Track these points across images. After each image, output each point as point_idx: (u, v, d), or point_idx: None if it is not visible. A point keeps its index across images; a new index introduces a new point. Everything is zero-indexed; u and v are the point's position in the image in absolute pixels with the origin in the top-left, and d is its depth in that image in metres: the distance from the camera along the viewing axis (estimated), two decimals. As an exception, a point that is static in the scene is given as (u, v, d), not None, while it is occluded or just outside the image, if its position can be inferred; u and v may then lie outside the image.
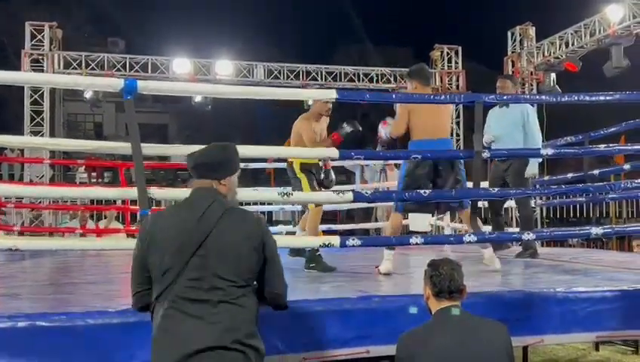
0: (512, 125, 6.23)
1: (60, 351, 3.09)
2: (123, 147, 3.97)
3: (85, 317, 3.20)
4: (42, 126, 12.87)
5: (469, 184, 4.95)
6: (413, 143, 4.85)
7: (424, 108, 4.83)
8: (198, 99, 13.49)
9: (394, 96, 4.83)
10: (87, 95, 13.18)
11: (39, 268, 5.86)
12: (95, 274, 5.62)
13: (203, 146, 2.89)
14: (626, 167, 7.05)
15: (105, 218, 11.06)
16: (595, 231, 4.80)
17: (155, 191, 3.95)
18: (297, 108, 6.49)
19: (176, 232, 2.55)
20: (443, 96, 5.80)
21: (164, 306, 2.50)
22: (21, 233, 10.63)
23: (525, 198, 6.01)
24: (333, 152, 4.48)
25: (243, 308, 2.52)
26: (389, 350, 3.28)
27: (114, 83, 3.93)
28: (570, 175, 7.47)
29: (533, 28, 14.37)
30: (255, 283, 2.65)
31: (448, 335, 2.87)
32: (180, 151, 3.91)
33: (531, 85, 14.12)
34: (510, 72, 14.24)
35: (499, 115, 6.32)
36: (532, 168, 6.45)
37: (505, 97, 5.05)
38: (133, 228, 9.83)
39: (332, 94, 4.37)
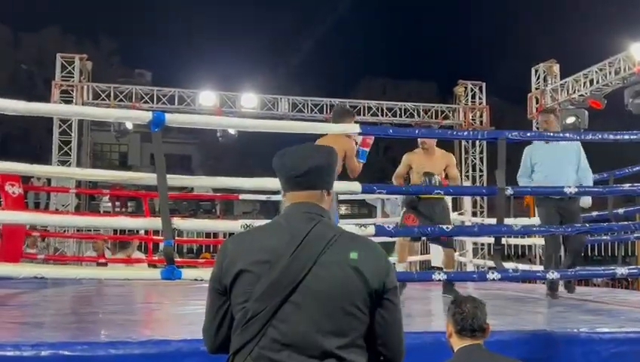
0: (566, 162, 5.98)
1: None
2: (148, 178, 4.02)
3: (107, 347, 3.23)
4: (70, 155, 13.08)
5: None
6: None
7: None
8: (222, 131, 13.63)
9: (417, 131, 4.85)
10: (114, 125, 13.41)
11: (61, 296, 5.93)
12: (116, 304, 5.67)
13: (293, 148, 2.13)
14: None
15: (123, 248, 11.17)
16: (621, 271, 4.74)
17: (179, 222, 3.99)
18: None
19: (262, 266, 1.90)
20: (466, 133, 5.80)
21: None
22: (45, 261, 10.75)
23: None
24: (356, 186, 4.50)
25: None
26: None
27: (143, 116, 4.01)
28: (594, 213, 7.39)
29: (558, 65, 14.37)
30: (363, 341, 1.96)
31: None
32: (203, 183, 3.96)
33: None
34: (534, 109, 14.22)
35: (549, 152, 5.99)
36: (587, 200, 6.19)
37: (528, 134, 5.03)
38: (155, 258, 9.91)
39: (356, 128, 4.40)
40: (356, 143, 5.20)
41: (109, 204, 21.65)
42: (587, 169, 6.12)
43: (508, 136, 4.60)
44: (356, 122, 4.94)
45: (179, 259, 11.00)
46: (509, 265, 8.35)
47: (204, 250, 16.16)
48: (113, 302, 5.84)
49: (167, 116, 3.98)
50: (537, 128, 14.14)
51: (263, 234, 2.02)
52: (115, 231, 11.57)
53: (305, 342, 1.86)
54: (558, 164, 5.95)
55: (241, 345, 1.89)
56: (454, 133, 4.67)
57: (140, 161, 35.21)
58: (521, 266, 9.25)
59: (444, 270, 5.24)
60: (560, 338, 3.88)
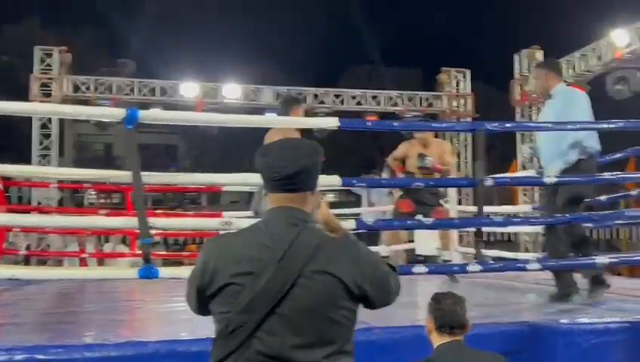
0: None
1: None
2: (127, 176, 3.96)
3: (83, 350, 3.18)
4: (50, 149, 12.94)
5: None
6: None
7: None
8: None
9: (395, 124, 4.80)
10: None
11: (42, 294, 5.84)
12: (97, 302, 5.60)
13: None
14: (634, 193, 6.97)
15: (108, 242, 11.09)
16: (601, 260, 4.72)
17: (157, 221, 3.93)
18: (308, 129, 6.48)
19: (245, 277, 1.85)
20: (445, 124, 5.76)
21: None
22: (27, 257, 10.65)
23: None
24: (336, 180, 4.44)
25: None
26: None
27: (116, 113, 3.94)
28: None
29: (541, 51, 14.37)
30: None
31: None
32: (180, 180, 3.91)
33: (538, 109, 14.07)
34: (517, 96, 14.23)
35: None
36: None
37: (507, 125, 4.98)
38: (139, 252, 9.82)
39: (334, 123, 4.35)
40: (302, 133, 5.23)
41: (94, 195, 21.49)
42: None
43: (487, 127, 4.56)
44: (309, 113, 4.94)
45: (163, 253, 10.98)
46: (492, 253, 8.38)
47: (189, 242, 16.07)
48: (94, 299, 5.77)
49: (141, 113, 3.90)
50: (522, 115, 14.18)
51: (246, 242, 1.94)
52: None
53: (291, 354, 1.83)
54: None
55: (223, 355, 1.86)
56: (432, 124, 4.64)
57: (124, 151, 34.95)
58: (506, 254, 9.27)
59: (441, 250, 5.07)
60: (540, 329, 3.87)
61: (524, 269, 4.61)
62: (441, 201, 6.61)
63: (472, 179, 4.60)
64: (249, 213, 11.19)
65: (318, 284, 1.85)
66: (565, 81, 5.11)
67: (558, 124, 4.75)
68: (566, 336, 3.86)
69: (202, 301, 1.97)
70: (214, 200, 27.38)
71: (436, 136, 6.68)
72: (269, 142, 5.23)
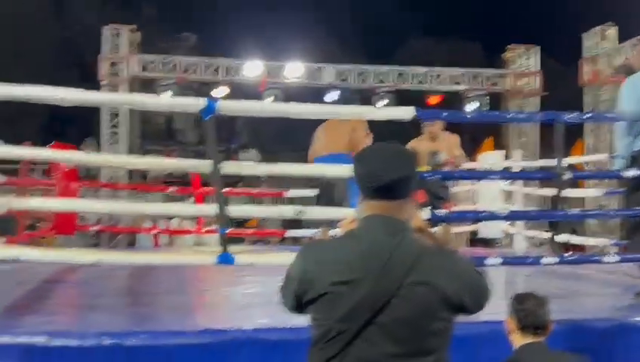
0: None
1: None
2: (203, 165, 4.03)
3: (168, 336, 3.28)
4: (119, 127, 13.25)
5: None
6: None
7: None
8: (270, 98, 13.54)
9: (469, 116, 4.71)
10: (160, 90, 13.44)
11: (114, 272, 6.00)
12: (169, 282, 5.73)
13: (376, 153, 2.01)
14: None
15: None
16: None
17: (234, 209, 4.00)
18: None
19: (345, 286, 1.85)
20: (522, 115, 5.63)
21: None
22: (99, 232, 11.01)
23: None
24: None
25: None
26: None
27: (194, 104, 3.99)
28: None
29: (615, 28, 13.83)
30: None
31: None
32: (260, 171, 3.96)
33: (607, 88, 13.64)
34: (587, 76, 13.78)
35: None
36: None
37: (585, 116, 4.83)
38: (203, 231, 10.03)
39: (410, 113, 4.28)
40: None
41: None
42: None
43: (565, 119, 4.43)
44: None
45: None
46: (560, 238, 8.18)
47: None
48: (164, 279, 5.90)
49: (219, 104, 3.95)
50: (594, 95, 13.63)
51: (344, 249, 1.94)
52: (166, 202, 11.78)
53: None
54: None
55: (322, 361, 1.89)
56: (509, 115, 4.52)
57: (184, 124, 35.46)
58: (574, 239, 9.06)
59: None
60: (619, 328, 3.77)
61: (601, 262, 4.48)
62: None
63: (550, 173, 4.49)
64: (308, 191, 11.30)
65: (417, 295, 1.86)
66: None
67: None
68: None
69: (299, 305, 2.01)
70: (271, 176, 27.53)
71: (446, 129, 6.53)
72: (331, 128, 5.24)
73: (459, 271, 1.96)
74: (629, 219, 4.86)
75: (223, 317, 4.00)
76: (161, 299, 4.81)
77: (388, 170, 1.93)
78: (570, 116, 4.43)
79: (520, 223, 10.43)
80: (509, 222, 9.31)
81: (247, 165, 4.82)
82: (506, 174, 4.23)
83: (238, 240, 12.18)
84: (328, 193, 4.99)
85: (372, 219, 1.96)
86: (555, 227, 4.60)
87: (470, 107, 14.02)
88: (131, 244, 12.34)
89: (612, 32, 13.82)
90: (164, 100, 5.16)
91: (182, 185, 12.89)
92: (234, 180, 17.11)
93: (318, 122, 5.33)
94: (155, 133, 29.46)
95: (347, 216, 2.28)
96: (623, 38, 13.71)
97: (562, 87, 17.09)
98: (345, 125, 5.22)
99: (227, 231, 3.99)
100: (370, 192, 1.96)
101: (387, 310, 1.84)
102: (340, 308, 1.86)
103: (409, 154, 2.04)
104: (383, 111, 4.59)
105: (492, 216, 4.47)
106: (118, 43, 13.29)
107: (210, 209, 4.22)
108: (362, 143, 5.20)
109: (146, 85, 15.35)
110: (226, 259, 3.96)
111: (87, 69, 16.34)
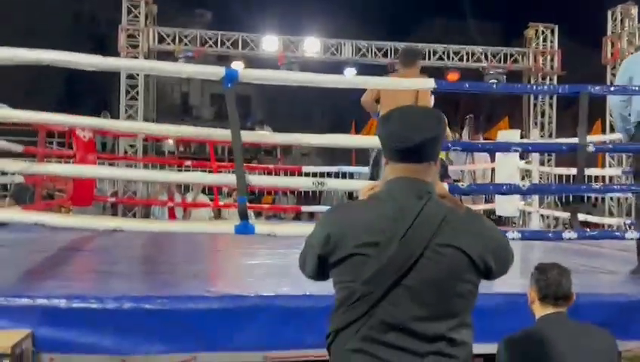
0: None
1: (160, 334, 3.19)
2: (221, 134, 4.02)
3: (187, 301, 3.29)
4: (136, 100, 13.25)
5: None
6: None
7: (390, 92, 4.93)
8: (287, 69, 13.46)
9: (494, 86, 4.66)
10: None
11: (132, 241, 6.04)
12: (186, 251, 5.78)
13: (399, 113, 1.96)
14: None
15: (192, 190, 11.40)
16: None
17: (253, 178, 3.99)
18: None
19: (371, 248, 1.84)
20: (546, 87, 5.55)
21: (350, 346, 1.87)
22: (115, 204, 11.08)
23: None
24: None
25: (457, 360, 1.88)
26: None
27: (216, 71, 3.97)
28: None
29: (636, 7, 13.62)
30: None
31: (556, 342, 2.78)
32: (278, 140, 3.94)
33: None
34: (609, 54, 13.58)
35: None
36: None
37: (612, 88, 4.76)
38: (221, 203, 10.08)
39: (430, 83, 4.26)
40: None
41: (172, 144, 21.88)
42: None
43: (590, 90, 4.38)
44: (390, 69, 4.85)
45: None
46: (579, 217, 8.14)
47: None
48: (182, 248, 5.95)
49: (241, 72, 3.94)
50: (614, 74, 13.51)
51: (370, 212, 1.91)
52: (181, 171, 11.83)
53: (415, 326, 1.84)
54: None
55: (346, 323, 1.87)
56: (534, 87, 4.46)
57: (200, 101, 35.54)
58: (591, 218, 9.03)
59: None
60: (638, 303, 3.75)
61: (623, 238, 4.45)
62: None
63: (573, 145, 4.43)
64: (325, 167, 11.28)
65: (444, 258, 1.84)
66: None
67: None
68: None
69: (322, 268, 1.99)
70: (287, 151, 27.67)
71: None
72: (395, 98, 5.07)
73: (485, 234, 1.94)
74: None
75: (241, 285, 4.01)
76: (180, 267, 4.84)
77: (414, 133, 1.89)
78: (596, 87, 4.38)
79: (536, 202, 10.43)
80: (524, 201, 9.31)
81: (266, 134, 4.81)
82: (529, 146, 4.17)
83: (257, 214, 12.25)
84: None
85: (399, 181, 1.93)
86: (576, 201, 4.54)
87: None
88: (147, 216, 12.40)
89: (634, 10, 13.58)
90: (186, 67, 5.16)
91: (196, 160, 12.97)
92: (248, 157, 17.18)
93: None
94: (170, 108, 29.57)
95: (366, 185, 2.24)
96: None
97: (582, 67, 16.90)
98: (420, 98, 5.00)
99: (246, 201, 3.96)
100: (398, 154, 1.93)
101: (413, 272, 1.83)
102: (366, 270, 1.84)
103: (438, 116, 1.99)
104: (406, 82, 4.53)
105: (514, 190, 4.42)
106: (136, 14, 13.23)
107: (229, 178, 4.20)
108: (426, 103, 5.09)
109: (163, 58, 15.32)
110: (245, 228, 3.95)
111: (105, 41, 16.31)
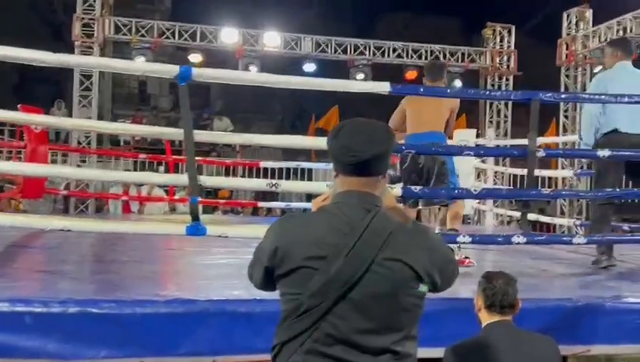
0: None
1: (107, 339, 3.13)
2: (176, 133, 3.96)
3: (134, 305, 3.23)
4: (91, 90, 12.98)
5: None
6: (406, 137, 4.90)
7: (417, 102, 4.87)
8: (253, 68, 13.31)
9: (448, 91, 4.69)
10: (133, 55, 13.19)
11: (83, 238, 5.91)
12: (138, 249, 5.66)
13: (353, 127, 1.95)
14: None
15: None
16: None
17: (207, 179, 3.94)
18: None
19: (319, 262, 1.85)
20: (499, 93, 5.62)
21: (295, 359, 1.87)
22: (67, 196, 10.85)
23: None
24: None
25: None
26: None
27: (169, 70, 3.90)
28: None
29: (590, 11, 13.91)
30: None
31: (501, 351, 2.83)
32: (232, 140, 3.89)
33: (584, 70, 13.75)
34: (564, 55, 13.85)
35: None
36: None
37: (562, 96, 4.86)
38: (176, 197, 9.96)
39: (385, 87, 4.26)
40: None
41: (129, 137, 21.57)
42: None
43: (542, 97, 4.45)
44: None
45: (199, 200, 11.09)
46: (529, 216, 8.27)
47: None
48: (135, 246, 5.83)
49: (194, 71, 3.87)
50: (567, 76, 13.79)
51: (318, 225, 1.93)
52: (136, 168, 11.66)
53: (360, 339, 1.85)
54: None
55: (291, 336, 1.88)
56: (487, 93, 4.53)
57: (158, 90, 34.97)
58: (543, 218, 9.19)
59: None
60: (584, 308, 3.81)
61: (570, 243, 4.53)
62: None
63: (524, 150, 4.50)
64: (284, 163, 11.24)
65: (390, 271, 1.85)
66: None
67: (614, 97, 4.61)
68: (610, 316, 3.80)
69: (270, 279, 1.99)
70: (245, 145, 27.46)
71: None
72: (430, 106, 4.96)
73: (431, 248, 1.95)
74: (594, 201, 5.05)
75: (191, 287, 3.96)
76: (130, 267, 4.75)
77: (364, 147, 1.90)
78: (547, 95, 4.44)
79: (489, 201, 10.59)
80: (478, 200, 9.44)
81: (221, 134, 4.75)
82: (481, 150, 4.22)
83: (210, 209, 12.13)
84: (415, 168, 4.82)
85: (348, 194, 1.95)
86: (526, 205, 4.62)
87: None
88: (100, 210, 12.20)
89: (588, 14, 13.87)
90: (139, 65, 5.06)
91: (152, 152, 12.77)
92: (207, 149, 17.01)
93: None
94: (127, 97, 29.03)
95: (320, 192, 2.24)
96: (596, 21, 13.81)
97: (537, 67, 17.18)
98: (444, 105, 4.95)
99: (198, 201, 3.91)
100: (348, 168, 1.94)
101: (359, 286, 1.84)
102: (312, 283, 1.84)
103: (387, 130, 2.01)
104: (359, 85, 4.53)
105: (465, 195, 4.47)
106: (92, 3, 12.93)
107: (181, 178, 4.15)
108: (452, 126, 5.15)
109: (120, 48, 15.05)
110: (196, 229, 3.91)
111: (62, 28, 15.92)
